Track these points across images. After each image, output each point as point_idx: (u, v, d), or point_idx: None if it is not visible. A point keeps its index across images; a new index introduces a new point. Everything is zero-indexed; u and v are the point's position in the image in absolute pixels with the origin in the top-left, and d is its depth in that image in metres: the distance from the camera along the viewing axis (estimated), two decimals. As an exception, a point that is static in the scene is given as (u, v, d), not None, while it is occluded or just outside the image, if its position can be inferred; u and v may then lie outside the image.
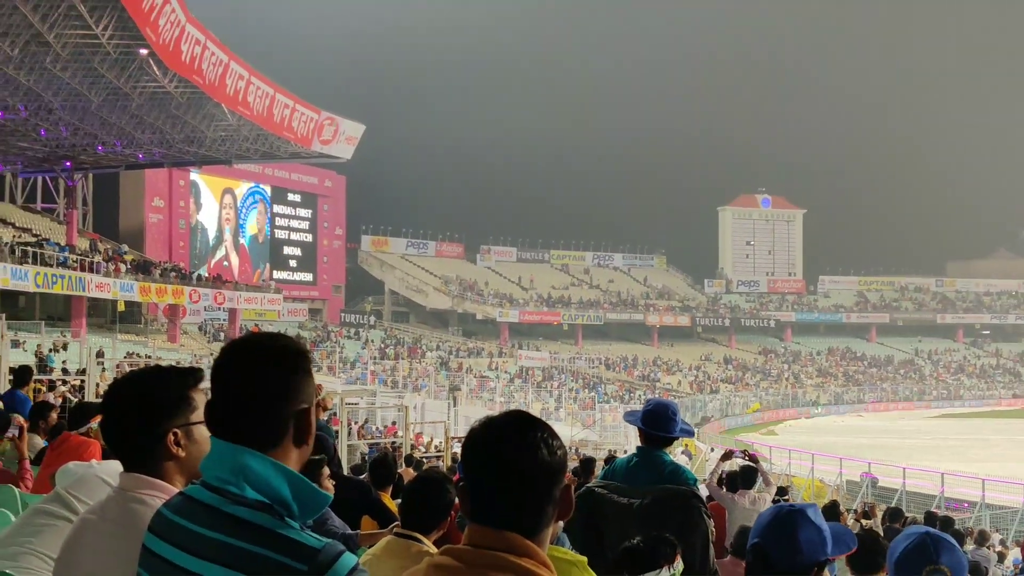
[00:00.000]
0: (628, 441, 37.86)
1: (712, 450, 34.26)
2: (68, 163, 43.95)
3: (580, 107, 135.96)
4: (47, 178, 52.70)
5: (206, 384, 1.92)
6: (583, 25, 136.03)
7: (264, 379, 1.73)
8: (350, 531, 4.76)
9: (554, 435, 1.74)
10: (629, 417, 4.61)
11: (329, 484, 4.72)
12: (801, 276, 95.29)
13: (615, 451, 34.99)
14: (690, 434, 4.79)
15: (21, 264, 35.43)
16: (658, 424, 4.36)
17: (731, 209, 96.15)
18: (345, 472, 7.81)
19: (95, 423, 5.34)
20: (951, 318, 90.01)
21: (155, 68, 33.75)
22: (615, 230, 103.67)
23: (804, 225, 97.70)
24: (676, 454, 31.10)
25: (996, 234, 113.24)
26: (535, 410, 49.58)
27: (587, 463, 10.48)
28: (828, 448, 35.86)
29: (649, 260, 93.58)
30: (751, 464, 9.00)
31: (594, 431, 46.25)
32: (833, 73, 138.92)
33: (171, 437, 2.08)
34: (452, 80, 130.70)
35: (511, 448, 1.69)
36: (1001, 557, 15.34)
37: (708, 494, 9.85)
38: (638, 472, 4.32)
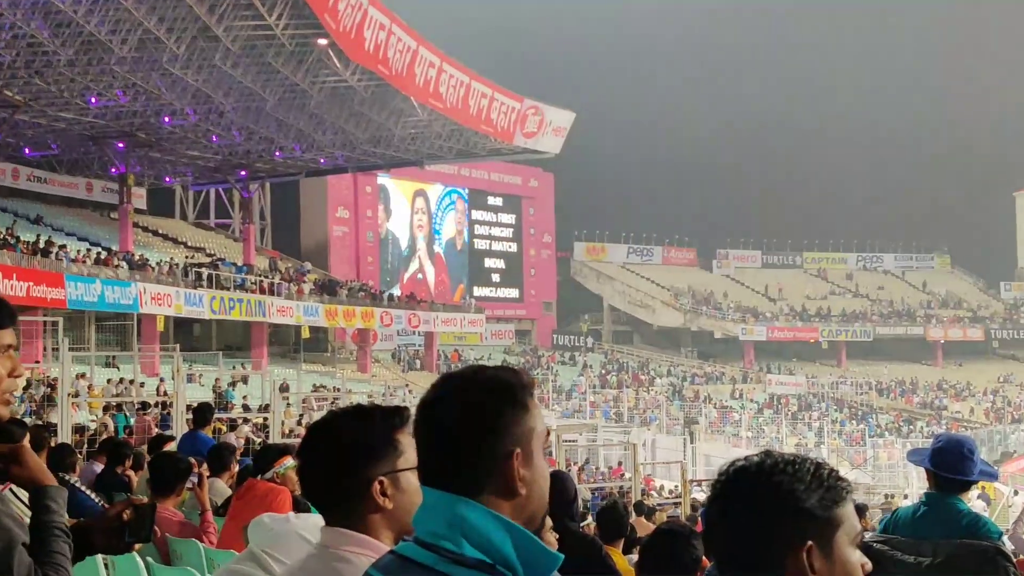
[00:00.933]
0: (909, 483, 37.41)
1: (1016, 494, 33.65)
2: (243, 172, 46.24)
3: (834, 83, 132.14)
4: (220, 190, 55.78)
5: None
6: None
7: (456, 418, 1.72)
8: None
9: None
10: (914, 457, 4.58)
11: (552, 538, 4.67)
12: None
13: (893, 496, 33.56)
14: (992, 477, 4.65)
15: (195, 288, 37.34)
16: (952, 465, 4.25)
17: None
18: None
19: (281, 466, 5.79)
20: None
21: (335, 60, 34.94)
22: (884, 225, 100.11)
23: None
24: (971, 500, 29.37)
25: None
26: (789, 446, 48.42)
27: (857, 511, 9.70)
28: None
29: (929, 260, 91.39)
30: None
31: (865, 471, 45.23)
32: None
33: (376, 487, 2.13)
34: (678, 56, 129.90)
35: (759, 494, 1.68)
36: None
37: (1014, 548, 9.18)
38: (927, 523, 4.20)
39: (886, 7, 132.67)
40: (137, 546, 2.77)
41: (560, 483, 5.45)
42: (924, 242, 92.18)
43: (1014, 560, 4.04)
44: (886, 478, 44.05)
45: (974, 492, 31.77)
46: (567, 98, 51.62)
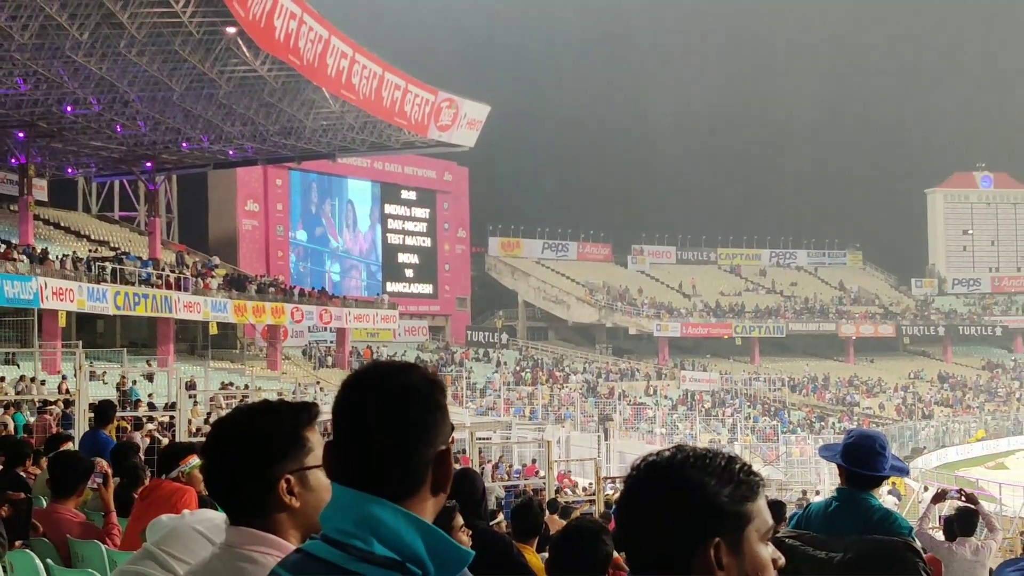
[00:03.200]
0: (821, 480, 37.85)
1: (926, 490, 33.74)
2: (148, 164, 45.56)
3: (749, 76, 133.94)
4: (125, 182, 54.92)
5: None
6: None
7: (401, 419, 1.77)
8: None
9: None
10: (826, 452, 4.63)
11: (465, 537, 4.75)
12: None
13: (805, 492, 34.18)
14: (904, 472, 4.76)
15: (98, 283, 36.65)
16: (864, 461, 4.32)
17: (942, 191, 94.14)
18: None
19: (186, 465, 5.75)
20: None
21: (245, 49, 34.58)
22: (797, 221, 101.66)
23: None
24: (882, 495, 30.09)
25: None
26: (703, 443, 48.92)
27: (776, 508, 10.01)
28: None
29: (841, 257, 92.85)
30: (969, 506, 9.05)
31: (778, 468, 45.80)
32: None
33: (283, 484, 2.11)
34: (594, 50, 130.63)
35: (672, 489, 1.70)
36: None
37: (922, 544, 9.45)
38: (839, 519, 4.26)
39: (802, 3, 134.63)
40: (18, 543, 2.73)
41: (468, 481, 5.61)
42: (837, 239, 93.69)
43: (923, 556, 4.13)
44: (799, 474, 44.81)
45: (884, 488, 32.58)
46: (482, 91, 51.65)
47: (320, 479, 2.12)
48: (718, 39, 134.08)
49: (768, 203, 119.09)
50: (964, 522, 8.84)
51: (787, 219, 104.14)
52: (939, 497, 9.73)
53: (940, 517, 10.65)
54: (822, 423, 59.29)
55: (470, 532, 4.95)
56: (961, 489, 9.92)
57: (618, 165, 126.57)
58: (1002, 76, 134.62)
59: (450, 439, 1.85)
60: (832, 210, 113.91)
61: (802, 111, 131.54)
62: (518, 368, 62.37)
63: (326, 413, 1.94)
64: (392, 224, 69.55)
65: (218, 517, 2.24)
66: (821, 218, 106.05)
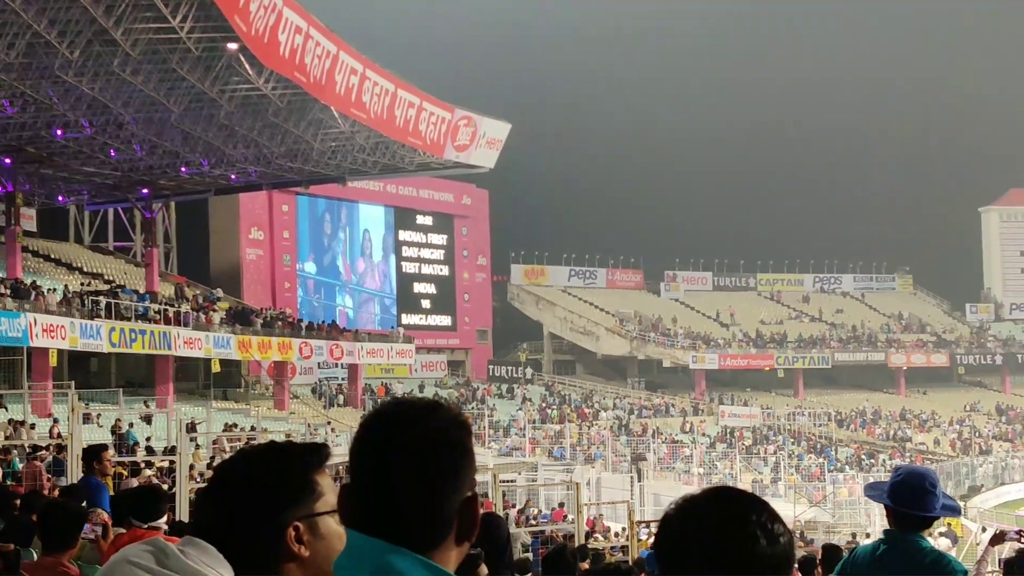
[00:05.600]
0: (872, 521, 37.86)
1: (984, 531, 33.49)
2: (145, 190, 45.66)
3: (789, 98, 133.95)
4: (120, 210, 55.08)
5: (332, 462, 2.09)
6: (793, 7, 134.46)
7: (427, 464, 1.76)
8: None
9: (775, 517, 1.75)
10: (872, 492, 4.69)
11: None
12: None
13: (855, 535, 33.85)
14: (955, 512, 4.78)
15: (92, 319, 36.67)
16: (912, 500, 4.36)
17: (998, 209, 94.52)
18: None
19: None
20: None
21: (247, 66, 34.57)
22: (842, 244, 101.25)
23: None
24: (935, 537, 29.86)
25: None
26: (745, 483, 48.80)
27: (831, 553, 10.26)
28: None
29: (890, 281, 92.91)
30: None
31: (825, 509, 45.90)
32: None
33: (291, 532, 2.06)
34: (620, 67, 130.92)
35: (721, 538, 1.69)
36: None
37: None
38: (887, 563, 4.33)
39: (846, 17, 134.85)
40: None
41: (492, 528, 5.56)
42: (885, 262, 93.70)
43: None
44: (847, 515, 44.55)
45: (938, 528, 32.36)
46: (502, 109, 51.63)
47: (331, 526, 2.07)
48: (754, 57, 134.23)
49: (811, 225, 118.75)
50: None
51: (832, 242, 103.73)
52: (998, 539, 9.36)
53: (1000, 560, 10.62)
54: (872, 460, 58.97)
55: None
56: (1021, 530, 9.83)
57: (649, 186, 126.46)
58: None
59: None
60: (880, 232, 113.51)
61: (845, 129, 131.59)
62: (544, 405, 62.20)
63: (338, 455, 2.03)
64: (407, 252, 69.55)
65: (162, 544, 2.10)
66: (868, 240, 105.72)
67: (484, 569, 4.84)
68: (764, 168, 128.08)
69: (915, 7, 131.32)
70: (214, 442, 30.15)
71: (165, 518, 5.80)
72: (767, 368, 75.55)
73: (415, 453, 1.76)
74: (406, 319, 66.88)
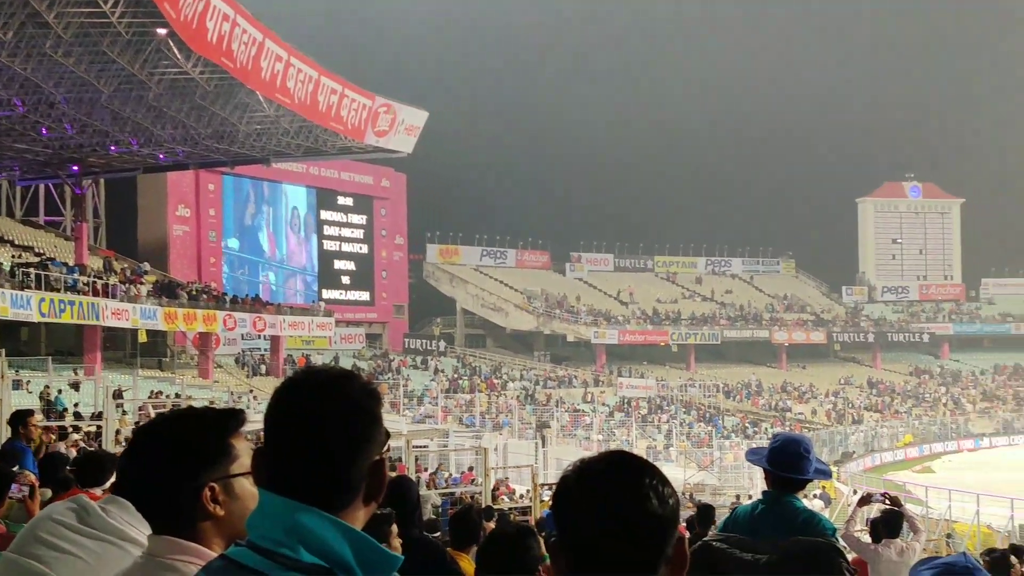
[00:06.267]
0: (754, 484, 38.97)
1: (855, 493, 34.45)
2: (75, 167, 44.32)
3: (684, 91, 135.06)
4: (50, 186, 53.50)
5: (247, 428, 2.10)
6: (695, 7, 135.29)
7: (338, 430, 1.75)
8: None
9: (665, 481, 1.77)
10: (752, 456, 4.74)
11: (397, 543, 4.73)
12: (960, 280, 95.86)
13: (739, 497, 34.18)
14: (827, 475, 4.81)
15: (22, 290, 35.46)
16: (788, 464, 4.45)
17: (873, 201, 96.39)
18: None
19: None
20: None
21: (176, 51, 33.77)
22: (733, 230, 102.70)
23: (962, 218, 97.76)
24: (810, 499, 30.31)
25: None
26: (640, 449, 49.09)
27: (705, 512, 10.57)
28: (996, 487, 35.82)
29: (775, 265, 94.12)
30: (894, 509, 9.20)
31: (712, 473, 46.18)
32: (992, 42, 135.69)
33: (207, 493, 2.06)
34: (533, 59, 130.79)
35: (613, 498, 1.71)
36: None
37: (847, 545, 9.78)
38: (765, 522, 4.37)
39: (741, 20, 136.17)
40: None
41: (403, 490, 5.54)
42: (771, 247, 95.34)
43: (847, 556, 4.11)
44: (732, 479, 45.11)
45: (814, 491, 32.79)
46: (421, 98, 51.06)
47: (246, 487, 2.07)
48: (658, 53, 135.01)
49: (705, 213, 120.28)
50: (889, 524, 8.96)
51: (723, 229, 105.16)
52: (865, 500, 10.02)
53: (867, 519, 10.80)
54: (755, 428, 59.63)
55: (402, 540, 4.94)
56: (886, 492, 10.09)
57: (557, 173, 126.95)
58: (932, 88, 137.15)
59: (385, 448, 1.83)
60: (767, 220, 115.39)
61: (738, 125, 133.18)
62: (456, 375, 62.06)
63: (255, 421, 1.92)
64: (328, 231, 68.77)
65: (84, 502, 2.19)
66: (756, 228, 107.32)
67: (395, 528, 4.80)
68: (663, 160, 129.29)
69: (805, 12, 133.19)
70: (140, 408, 29.40)
71: (111, 483, 5.48)
72: (662, 343, 76.13)
73: (326, 420, 1.73)
74: (327, 294, 66.19)
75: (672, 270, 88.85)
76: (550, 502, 1.87)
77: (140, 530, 2.19)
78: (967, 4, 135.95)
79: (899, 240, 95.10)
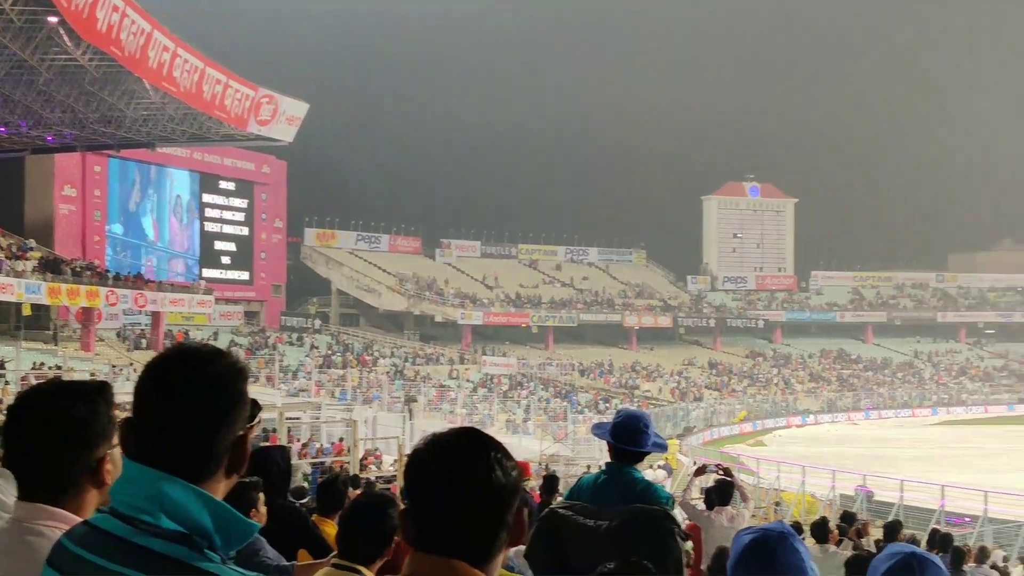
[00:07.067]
0: (604, 455, 37.97)
1: (695, 464, 34.90)
2: (-36, 147, 43.02)
3: (550, 90, 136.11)
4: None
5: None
6: (554, 4, 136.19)
7: (204, 406, 1.73)
8: (285, 563, 4.65)
9: (507, 455, 1.78)
10: (597, 430, 4.74)
11: (263, 510, 4.71)
12: (792, 271, 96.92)
13: (591, 467, 35.03)
14: (663, 448, 4.84)
15: (-90, 262, 34.43)
16: (629, 438, 4.45)
17: (716, 198, 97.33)
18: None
19: None
20: (953, 316, 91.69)
21: (66, 38, 33.16)
22: (590, 222, 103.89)
23: (796, 216, 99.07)
24: (655, 468, 31.26)
25: (1000, 224, 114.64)
26: (500, 422, 49.73)
27: (549, 481, 10.40)
28: (821, 459, 36.73)
29: (627, 255, 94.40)
30: (726, 479, 9.35)
31: (566, 445, 46.41)
32: (827, 55, 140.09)
33: (104, 465, 2.07)
34: (409, 57, 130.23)
35: (461, 470, 1.72)
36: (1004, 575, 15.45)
37: (686, 514, 9.99)
38: (607, 491, 4.38)
39: (597, 16, 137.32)
40: None
41: (271, 460, 5.55)
42: (624, 239, 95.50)
43: (679, 523, 4.33)
44: (584, 450, 45.61)
45: (658, 462, 33.76)
46: (304, 92, 50.84)
47: (118, 456, 2.06)
48: (525, 49, 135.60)
49: (565, 205, 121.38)
50: (721, 493, 9.13)
51: (582, 220, 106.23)
52: (700, 471, 10.22)
53: (703, 488, 10.98)
54: (607, 404, 59.78)
55: (269, 507, 4.90)
56: (719, 464, 10.40)
57: (428, 165, 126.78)
58: (771, 97, 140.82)
59: (256, 420, 1.92)
60: (621, 214, 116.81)
61: (595, 125, 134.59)
62: (330, 352, 61.63)
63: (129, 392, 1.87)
64: (210, 213, 67.66)
65: None
66: (611, 220, 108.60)
67: (261, 496, 4.76)
68: (528, 156, 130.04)
69: (657, 19, 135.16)
70: (22, 379, 28.97)
71: None
72: (524, 325, 76.31)
73: (194, 395, 1.74)
74: (207, 273, 65.06)
75: (534, 257, 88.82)
76: (404, 474, 1.81)
77: (11, 496, 2.13)
78: (802, 15, 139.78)
79: (739, 235, 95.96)
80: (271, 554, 4.58)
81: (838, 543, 11.71)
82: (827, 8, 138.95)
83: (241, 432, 1.79)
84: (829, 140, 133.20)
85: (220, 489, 1.77)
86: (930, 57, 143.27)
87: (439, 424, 44.24)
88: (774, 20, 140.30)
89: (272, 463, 5.52)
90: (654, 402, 62.87)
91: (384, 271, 77.21)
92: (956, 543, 11.73)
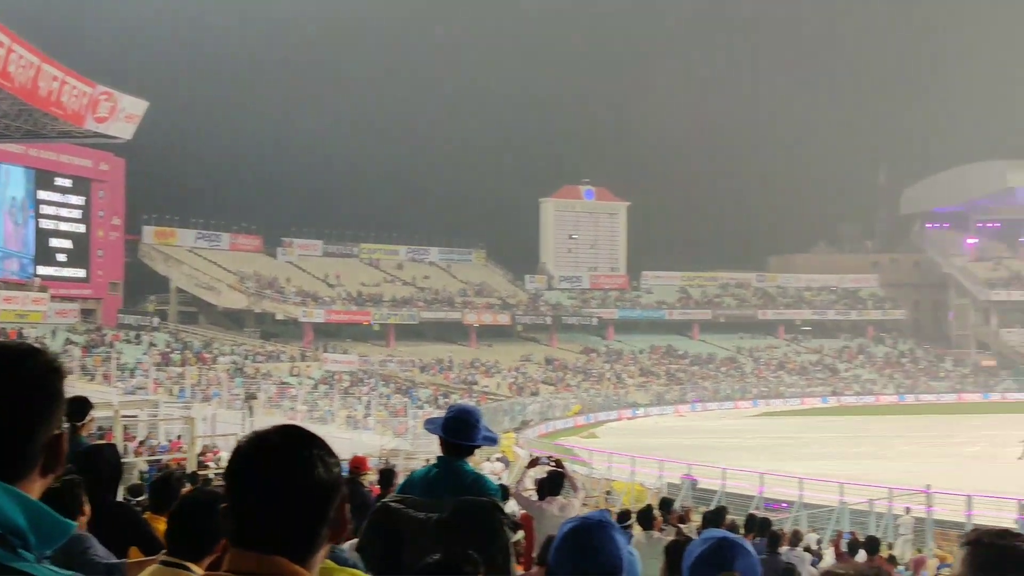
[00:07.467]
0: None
1: (530, 456, 35.39)
2: None
3: (390, 90, 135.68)
4: None
5: None
6: (397, 4, 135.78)
7: (17, 403, 1.64)
8: (115, 560, 4.55)
9: (330, 451, 1.77)
10: (429, 425, 4.77)
11: (87, 509, 4.57)
12: (624, 271, 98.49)
13: (430, 461, 35.23)
14: (493, 442, 4.86)
15: None
16: (460, 432, 4.50)
17: (553, 201, 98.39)
18: (121, 495, 7.62)
19: None
20: (772, 314, 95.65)
21: None
22: (431, 222, 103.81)
23: (628, 218, 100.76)
24: (492, 461, 31.63)
25: (816, 228, 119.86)
26: (341, 418, 49.51)
27: (386, 475, 10.37)
28: (650, 450, 37.31)
29: (467, 254, 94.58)
30: (557, 470, 9.43)
31: (406, 440, 46.47)
32: (656, 63, 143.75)
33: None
34: (249, 58, 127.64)
35: (283, 467, 1.70)
36: (817, 556, 16.14)
37: (518, 503, 10.09)
38: (438, 484, 4.43)
39: (443, 15, 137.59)
40: None
41: (101, 458, 5.45)
42: (464, 239, 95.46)
43: (508, 514, 4.56)
44: (423, 445, 45.94)
45: (495, 454, 34.11)
46: (144, 90, 49.27)
47: None
48: (363, 51, 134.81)
49: (407, 205, 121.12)
50: (552, 484, 9.22)
51: (423, 221, 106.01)
52: (533, 463, 10.51)
53: (536, 480, 10.98)
54: (446, 399, 59.23)
55: (93, 507, 4.75)
56: (552, 456, 10.62)
57: (271, 163, 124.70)
58: (606, 103, 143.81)
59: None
60: (461, 215, 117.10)
61: (434, 128, 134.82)
62: (168, 350, 59.96)
63: None
64: (46, 210, 64.76)
65: None
66: (452, 221, 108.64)
67: (84, 496, 4.58)
68: (369, 156, 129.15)
69: (503, 22, 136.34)
70: None
71: None
72: (365, 323, 76.05)
73: (7, 394, 1.64)
74: (43, 270, 62.28)
75: (376, 256, 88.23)
76: (225, 471, 1.81)
77: None
78: (642, 22, 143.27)
79: (574, 236, 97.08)
80: (101, 552, 4.51)
81: (662, 530, 12.14)
82: (668, 15, 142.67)
83: (57, 431, 1.70)
84: (660, 147, 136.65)
85: (36, 488, 1.68)
86: (751, 70, 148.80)
87: (279, 420, 43.21)
88: (611, 25, 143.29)
89: (102, 461, 5.42)
90: (492, 397, 63.46)
91: (224, 269, 75.62)
92: (773, 527, 12.17)
